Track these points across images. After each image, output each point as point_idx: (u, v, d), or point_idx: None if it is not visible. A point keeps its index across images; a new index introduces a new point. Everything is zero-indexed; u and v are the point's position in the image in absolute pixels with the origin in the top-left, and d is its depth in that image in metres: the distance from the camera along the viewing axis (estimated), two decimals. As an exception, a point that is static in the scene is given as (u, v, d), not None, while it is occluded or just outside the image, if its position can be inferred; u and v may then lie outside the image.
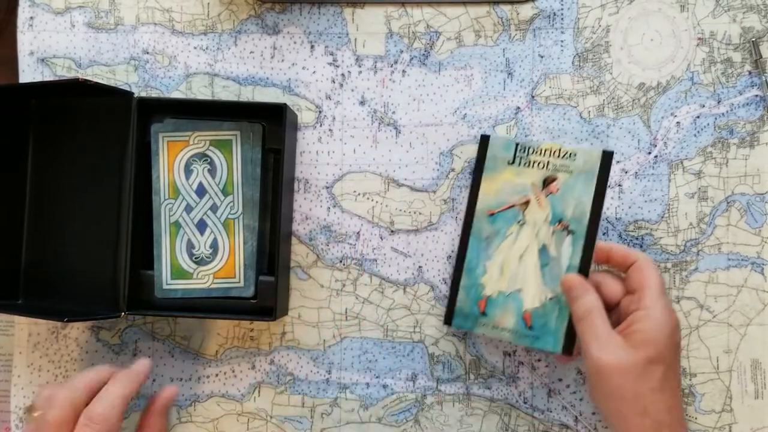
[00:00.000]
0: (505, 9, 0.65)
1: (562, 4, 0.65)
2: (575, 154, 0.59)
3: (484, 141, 0.61)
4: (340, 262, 0.64)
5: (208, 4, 0.66)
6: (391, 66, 0.65)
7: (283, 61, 0.65)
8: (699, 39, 0.65)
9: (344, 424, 0.64)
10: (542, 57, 0.65)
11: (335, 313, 0.64)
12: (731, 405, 0.63)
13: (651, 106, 0.64)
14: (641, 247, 0.64)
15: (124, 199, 0.61)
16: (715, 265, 0.64)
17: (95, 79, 0.65)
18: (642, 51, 0.65)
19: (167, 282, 0.62)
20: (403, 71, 0.65)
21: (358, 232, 0.65)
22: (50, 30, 0.65)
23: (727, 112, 0.64)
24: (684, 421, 0.53)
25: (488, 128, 0.65)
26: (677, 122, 0.64)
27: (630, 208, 0.64)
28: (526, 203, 0.60)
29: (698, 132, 0.64)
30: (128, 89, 0.64)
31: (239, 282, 0.62)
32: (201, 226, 0.62)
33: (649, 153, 0.64)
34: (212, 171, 0.62)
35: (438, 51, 0.65)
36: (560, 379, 0.64)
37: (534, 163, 0.60)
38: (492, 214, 0.60)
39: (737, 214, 0.64)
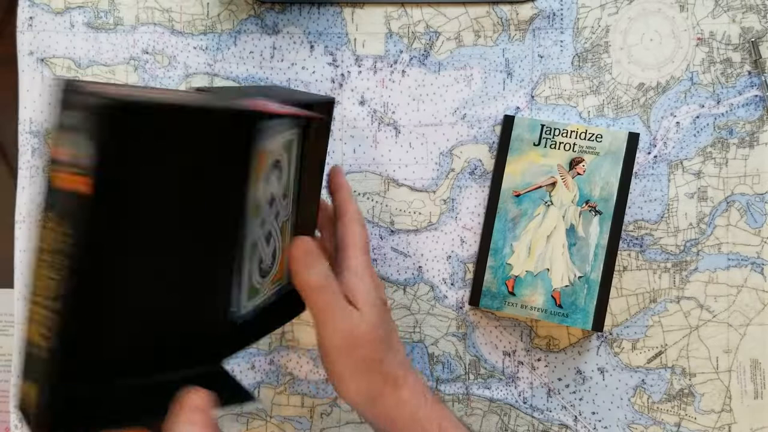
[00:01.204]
0: (505, 9, 0.65)
1: (561, 5, 0.65)
2: (602, 136, 0.60)
3: (509, 121, 0.62)
4: (340, 262, 0.64)
5: (208, 4, 0.66)
6: (391, 66, 0.65)
7: (282, 61, 0.65)
8: (698, 39, 0.65)
9: (344, 424, 0.64)
10: (542, 57, 0.65)
11: (335, 313, 0.64)
12: (731, 405, 0.63)
13: (650, 106, 0.64)
14: (641, 246, 0.64)
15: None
16: (714, 265, 0.64)
17: (96, 80, 0.65)
18: (641, 51, 0.65)
19: (243, 306, 0.50)
20: (403, 71, 0.65)
21: (357, 232, 0.65)
22: (50, 30, 0.65)
23: (726, 112, 0.64)
24: (419, 375, 0.53)
25: (488, 128, 0.65)
26: (677, 122, 0.64)
27: (630, 208, 0.64)
28: (553, 184, 0.61)
29: (698, 132, 0.64)
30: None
31: (284, 280, 0.54)
32: (267, 237, 0.50)
33: (649, 153, 0.64)
34: (280, 177, 0.50)
35: (438, 51, 0.65)
36: (560, 379, 0.64)
37: (560, 144, 0.61)
38: (518, 195, 0.61)
39: (737, 214, 0.64)
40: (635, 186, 0.64)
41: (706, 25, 0.64)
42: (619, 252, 0.64)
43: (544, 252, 0.60)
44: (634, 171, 0.64)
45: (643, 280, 0.64)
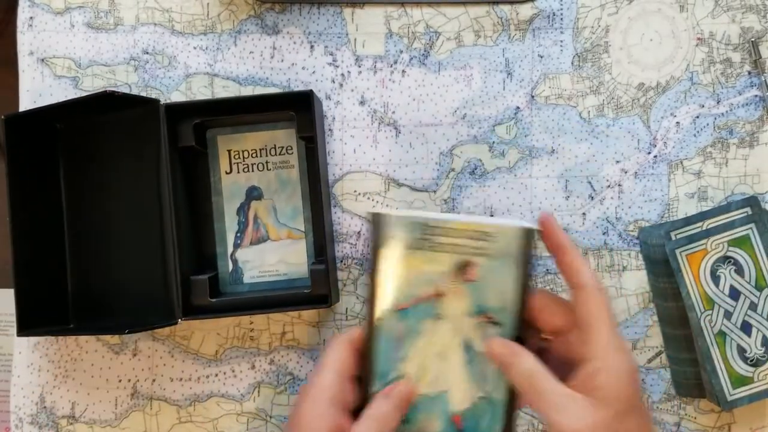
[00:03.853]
0: (505, 9, 0.65)
1: (561, 4, 0.65)
2: (491, 234, 0.49)
3: (377, 221, 0.49)
4: (341, 262, 0.64)
5: (208, 4, 0.66)
6: (391, 66, 0.65)
7: (282, 61, 0.65)
8: (698, 39, 0.65)
9: (344, 423, 0.64)
10: (542, 57, 0.65)
11: (336, 313, 0.64)
12: (731, 404, 0.63)
13: (650, 106, 0.64)
14: (641, 246, 0.64)
15: (165, 207, 0.61)
16: (714, 264, 0.64)
17: (96, 80, 0.65)
18: (641, 51, 0.65)
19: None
20: (403, 71, 0.65)
21: (358, 232, 0.65)
22: (50, 30, 0.65)
23: (726, 112, 0.64)
24: None
25: (488, 128, 0.65)
26: (677, 122, 0.64)
27: (630, 207, 0.64)
28: (440, 294, 0.49)
29: (698, 132, 0.64)
30: (129, 89, 0.64)
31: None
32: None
33: (649, 153, 0.64)
34: None
35: (437, 51, 0.65)
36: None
37: (443, 246, 0.49)
38: (402, 309, 0.50)
39: (737, 213, 0.64)
40: (635, 186, 0.64)
41: (706, 25, 0.64)
42: (618, 252, 0.64)
43: (439, 372, 0.50)
44: (634, 171, 0.64)
45: (643, 280, 0.64)
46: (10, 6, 0.66)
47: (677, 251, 0.59)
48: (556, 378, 0.45)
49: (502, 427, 0.49)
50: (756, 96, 0.64)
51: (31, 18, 0.65)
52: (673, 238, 0.60)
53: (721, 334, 0.59)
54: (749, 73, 0.64)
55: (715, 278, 0.59)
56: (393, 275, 0.49)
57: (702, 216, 0.60)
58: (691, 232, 0.60)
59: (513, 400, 0.49)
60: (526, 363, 0.46)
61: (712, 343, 0.59)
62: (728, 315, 0.59)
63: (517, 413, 0.49)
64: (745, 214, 0.60)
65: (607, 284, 0.64)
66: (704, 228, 0.60)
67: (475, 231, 0.49)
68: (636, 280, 0.64)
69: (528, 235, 0.48)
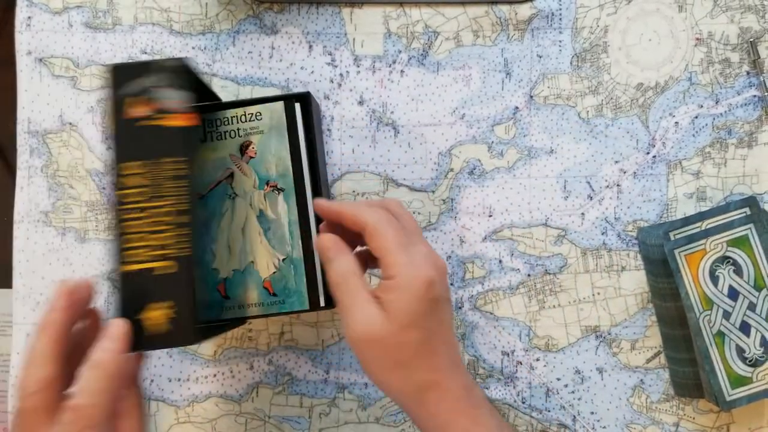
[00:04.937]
0: (504, 9, 0.65)
1: (560, 5, 0.65)
2: (260, 113, 0.57)
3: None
4: (339, 262, 0.64)
5: (206, 4, 0.65)
6: (390, 66, 0.65)
7: (281, 61, 0.65)
8: (697, 39, 0.65)
9: (342, 424, 0.64)
10: (540, 57, 0.65)
11: (334, 313, 0.64)
12: (729, 405, 0.63)
13: (649, 106, 0.64)
14: (639, 246, 0.64)
15: None
16: (713, 265, 0.64)
17: (94, 80, 0.65)
18: (640, 51, 0.65)
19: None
20: (402, 71, 0.65)
21: (356, 232, 0.65)
22: (48, 30, 0.65)
23: (725, 112, 0.64)
24: (462, 379, 0.51)
25: (487, 128, 0.65)
26: (675, 122, 0.64)
27: (629, 208, 0.64)
28: (231, 175, 0.57)
29: (697, 132, 0.64)
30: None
31: None
32: None
33: (648, 153, 0.64)
34: None
35: (436, 51, 0.65)
36: (558, 379, 0.64)
37: (225, 133, 0.57)
38: (202, 197, 0.57)
39: (735, 214, 0.64)
40: (634, 186, 0.64)
41: (705, 25, 0.64)
42: (617, 252, 0.64)
43: (243, 245, 0.57)
44: (633, 171, 0.64)
45: (642, 280, 0.64)
46: (8, 5, 0.66)
47: (676, 251, 0.59)
48: (365, 284, 0.49)
49: (305, 282, 0.56)
50: (754, 96, 0.64)
51: (29, 18, 0.65)
52: (672, 238, 0.60)
53: (720, 335, 0.59)
54: (748, 73, 0.64)
55: (714, 278, 0.59)
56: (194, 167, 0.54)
57: (701, 216, 0.60)
58: (690, 233, 0.60)
59: (311, 256, 0.56)
60: (344, 262, 0.50)
61: (710, 344, 0.59)
62: (727, 315, 0.59)
63: (318, 268, 0.55)
64: (744, 215, 0.60)
65: (605, 284, 0.64)
66: (703, 228, 0.60)
67: (246, 114, 0.57)
68: (635, 280, 0.64)
69: (288, 107, 0.57)
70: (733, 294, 0.59)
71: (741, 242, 0.59)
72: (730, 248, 0.59)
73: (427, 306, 0.49)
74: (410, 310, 0.48)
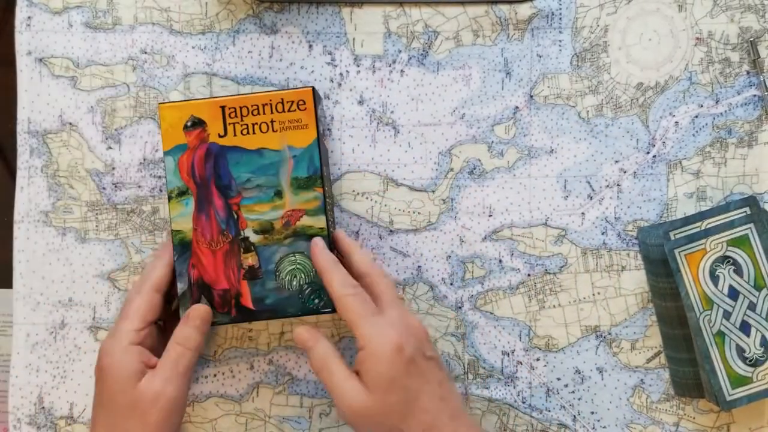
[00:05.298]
0: (504, 9, 0.65)
1: (560, 4, 0.65)
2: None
3: None
4: (339, 261, 0.64)
5: (206, 3, 0.65)
6: (390, 66, 0.65)
7: (281, 60, 0.65)
8: (697, 39, 0.65)
9: (342, 424, 0.64)
10: (540, 57, 0.65)
11: (334, 315, 0.64)
12: (729, 404, 0.63)
13: (649, 105, 0.64)
14: (640, 246, 0.64)
15: None
16: (713, 264, 0.64)
17: (94, 80, 0.65)
18: (640, 51, 0.65)
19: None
20: (402, 71, 0.65)
21: (357, 232, 0.65)
22: (48, 30, 0.65)
23: (725, 111, 0.64)
24: (461, 418, 0.53)
25: (487, 128, 0.65)
26: (676, 122, 0.64)
27: (629, 207, 0.64)
28: None
29: (697, 132, 0.64)
30: (127, 89, 0.64)
31: None
32: None
33: (648, 153, 0.64)
34: None
35: (436, 51, 0.65)
36: (558, 379, 0.64)
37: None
38: None
39: (735, 213, 0.64)
40: (634, 185, 0.64)
41: (705, 24, 0.64)
42: (617, 252, 0.64)
43: None
44: (633, 171, 0.64)
45: (642, 279, 0.64)
46: (8, 5, 0.66)
47: (676, 251, 0.59)
48: (344, 363, 0.53)
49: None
50: (755, 96, 0.64)
51: (29, 18, 0.65)
52: (672, 238, 0.60)
53: (720, 334, 0.59)
54: (748, 72, 0.64)
55: (714, 278, 0.59)
56: None
57: (701, 216, 0.60)
58: (690, 232, 0.60)
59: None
60: (321, 349, 0.54)
61: (711, 343, 0.59)
62: (727, 315, 0.59)
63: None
64: (744, 214, 0.60)
65: (606, 284, 0.64)
66: (703, 228, 0.60)
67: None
68: (635, 279, 0.64)
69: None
70: (734, 294, 0.59)
71: (741, 242, 0.59)
72: (730, 248, 0.59)
73: (403, 368, 0.51)
74: (386, 376, 0.51)
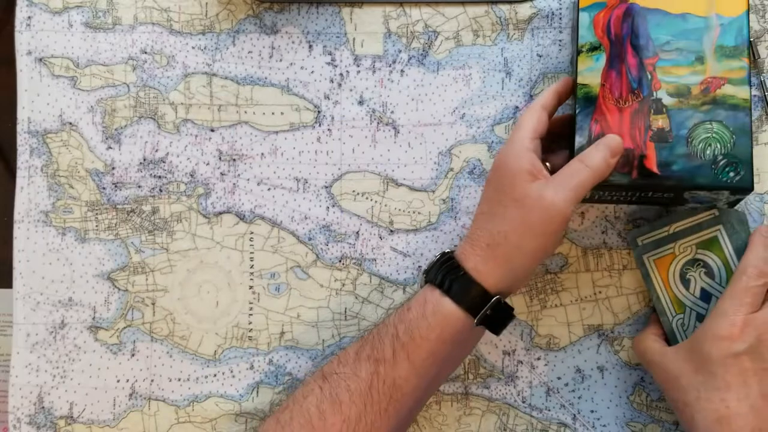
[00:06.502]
0: (504, 9, 0.65)
1: (560, 4, 0.65)
2: None
3: None
4: (340, 261, 0.64)
5: (206, 3, 0.65)
6: (390, 66, 0.65)
7: (281, 60, 0.65)
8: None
9: (343, 423, 0.64)
10: (540, 56, 0.65)
11: (334, 313, 0.64)
12: (729, 403, 0.63)
13: (649, 105, 0.64)
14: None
15: None
16: (713, 264, 0.64)
17: (94, 80, 0.65)
18: (640, 51, 0.65)
19: None
20: (402, 71, 0.65)
21: (357, 232, 0.65)
22: (48, 30, 0.65)
23: (725, 111, 0.64)
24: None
25: (487, 128, 0.65)
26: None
27: (629, 207, 0.64)
28: None
29: (696, 131, 0.64)
30: (127, 89, 0.64)
31: None
32: None
33: (648, 152, 0.64)
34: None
35: (436, 51, 0.65)
36: (559, 378, 0.64)
37: None
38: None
39: (735, 213, 0.64)
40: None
41: (704, 24, 0.65)
42: (618, 251, 0.64)
43: None
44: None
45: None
46: (8, 5, 0.66)
47: (644, 257, 0.60)
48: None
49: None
50: (754, 96, 0.64)
51: (29, 17, 0.65)
52: (640, 243, 0.60)
53: None
54: (747, 72, 0.64)
55: (685, 281, 0.59)
56: None
57: (668, 220, 0.60)
58: (658, 237, 0.60)
59: None
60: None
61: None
62: (700, 317, 0.58)
63: None
64: (712, 216, 0.59)
65: (606, 283, 0.64)
66: (671, 232, 0.59)
67: None
68: (636, 278, 0.64)
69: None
70: (706, 296, 0.59)
71: (711, 244, 0.59)
72: (700, 251, 0.59)
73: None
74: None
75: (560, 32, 0.65)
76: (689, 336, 0.56)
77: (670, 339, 0.59)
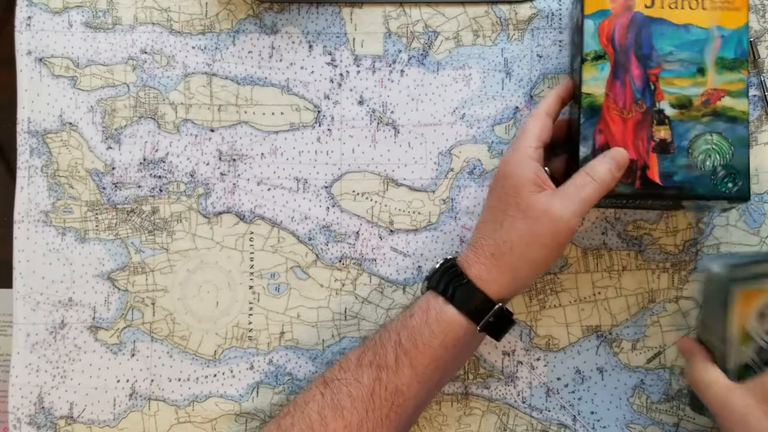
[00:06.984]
0: (504, 9, 0.65)
1: (560, 4, 0.65)
2: None
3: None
4: (340, 261, 0.64)
5: (206, 3, 0.65)
6: (390, 66, 0.65)
7: (281, 60, 0.65)
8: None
9: (343, 424, 0.64)
10: (540, 57, 0.65)
11: (334, 313, 0.64)
12: (730, 404, 0.63)
13: (649, 105, 0.64)
14: (640, 246, 0.64)
15: None
16: (713, 264, 0.64)
17: (94, 80, 0.65)
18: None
19: None
20: (402, 71, 0.65)
21: (357, 232, 0.65)
22: (48, 30, 0.65)
23: (725, 111, 0.64)
24: None
25: (487, 128, 0.65)
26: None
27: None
28: None
29: (697, 132, 0.64)
30: (127, 89, 0.64)
31: None
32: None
33: (648, 153, 0.64)
34: None
35: (436, 51, 0.65)
36: (559, 379, 0.64)
37: None
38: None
39: (736, 214, 0.64)
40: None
41: (705, 24, 0.64)
42: (618, 252, 0.64)
43: None
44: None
45: (642, 280, 0.64)
46: (8, 5, 0.66)
47: (733, 287, 0.56)
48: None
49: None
50: (754, 96, 0.64)
51: (29, 17, 0.65)
52: (730, 272, 0.57)
53: (746, 367, 0.56)
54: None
55: (761, 317, 0.56)
56: None
57: None
58: (758, 272, 0.57)
59: None
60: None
61: (734, 376, 0.56)
62: (761, 351, 0.56)
63: None
64: None
65: (606, 284, 0.64)
66: None
67: None
68: (635, 280, 0.64)
69: None
70: None
71: None
72: None
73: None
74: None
75: (560, 33, 0.65)
76: (741, 363, 0.55)
77: (719, 362, 0.57)
